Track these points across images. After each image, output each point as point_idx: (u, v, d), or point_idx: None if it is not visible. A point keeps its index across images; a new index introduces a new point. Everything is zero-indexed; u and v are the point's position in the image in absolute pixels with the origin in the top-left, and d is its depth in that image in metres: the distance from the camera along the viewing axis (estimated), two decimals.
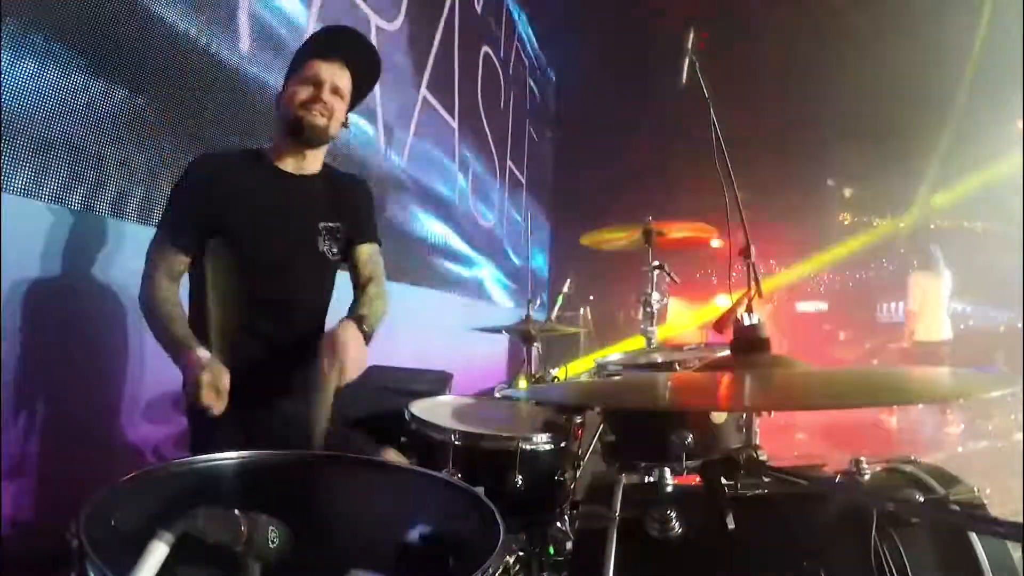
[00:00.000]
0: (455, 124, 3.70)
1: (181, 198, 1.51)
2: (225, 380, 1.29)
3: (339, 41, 1.60)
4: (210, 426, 1.43)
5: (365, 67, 1.64)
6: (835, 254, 7.93)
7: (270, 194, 1.56)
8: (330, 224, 1.61)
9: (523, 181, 5.58)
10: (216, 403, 1.28)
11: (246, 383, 1.44)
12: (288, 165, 1.59)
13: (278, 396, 1.48)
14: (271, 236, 1.53)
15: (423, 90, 3.26)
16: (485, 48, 4.25)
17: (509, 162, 5.17)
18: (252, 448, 1.00)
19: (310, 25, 2.69)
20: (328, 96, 1.54)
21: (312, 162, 1.63)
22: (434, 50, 3.43)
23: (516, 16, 5.49)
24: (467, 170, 4.07)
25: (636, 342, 2.38)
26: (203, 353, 1.33)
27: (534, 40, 6.73)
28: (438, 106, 3.43)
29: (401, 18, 3.02)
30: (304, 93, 1.53)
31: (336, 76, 1.56)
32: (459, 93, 3.76)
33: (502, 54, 4.60)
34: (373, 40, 2.84)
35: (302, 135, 1.55)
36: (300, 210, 1.59)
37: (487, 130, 4.37)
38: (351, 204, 1.69)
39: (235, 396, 1.41)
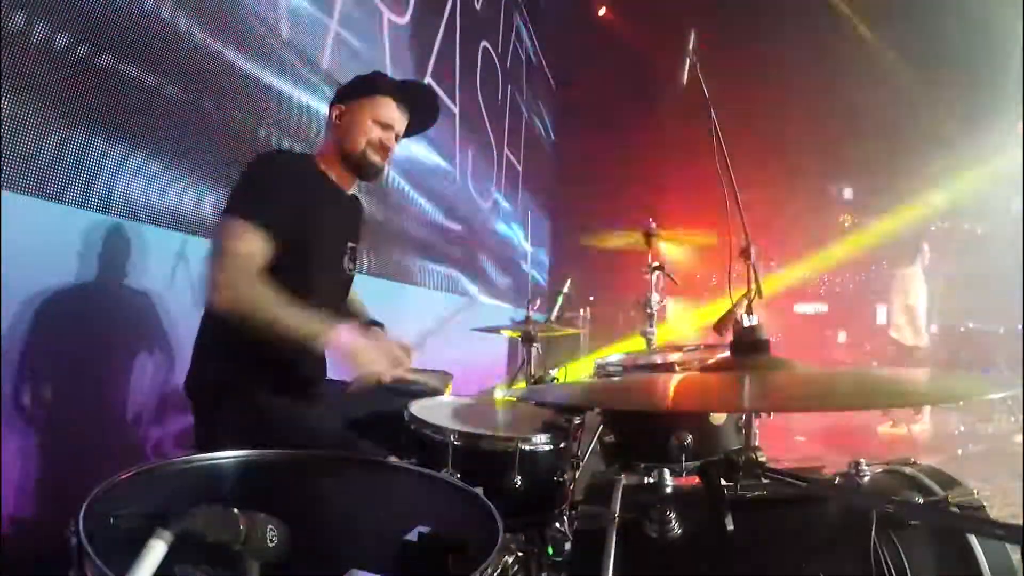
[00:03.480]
0: (456, 111, 4.12)
1: (267, 186, 1.44)
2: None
3: (417, 94, 1.70)
4: (215, 422, 1.44)
5: (423, 123, 1.73)
6: (833, 255, 7.93)
7: (327, 206, 1.59)
8: (352, 244, 1.72)
9: (519, 170, 5.91)
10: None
11: (254, 379, 1.45)
12: (336, 179, 1.64)
13: (287, 397, 1.48)
14: (321, 247, 1.57)
15: (428, 78, 3.64)
16: (484, 43, 4.68)
17: (507, 150, 5.51)
18: (254, 446, 1.00)
19: (332, 26, 2.79)
20: (393, 143, 1.63)
21: (353, 183, 1.70)
22: (438, 42, 3.79)
23: (514, 15, 5.74)
24: (466, 154, 4.43)
25: (636, 344, 2.38)
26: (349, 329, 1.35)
27: (533, 39, 6.76)
28: (441, 93, 3.82)
29: (410, 12, 3.39)
30: (377, 133, 1.59)
31: (402, 123, 1.65)
32: (459, 82, 4.14)
33: (499, 49, 5.01)
34: (385, 33, 3.15)
35: (361, 172, 1.63)
36: (342, 227, 1.68)
37: (485, 119, 4.78)
38: (360, 227, 1.82)
39: (245, 391, 1.42)
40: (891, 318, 5.41)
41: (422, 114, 1.70)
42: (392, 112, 1.61)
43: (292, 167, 1.55)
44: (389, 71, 3.22)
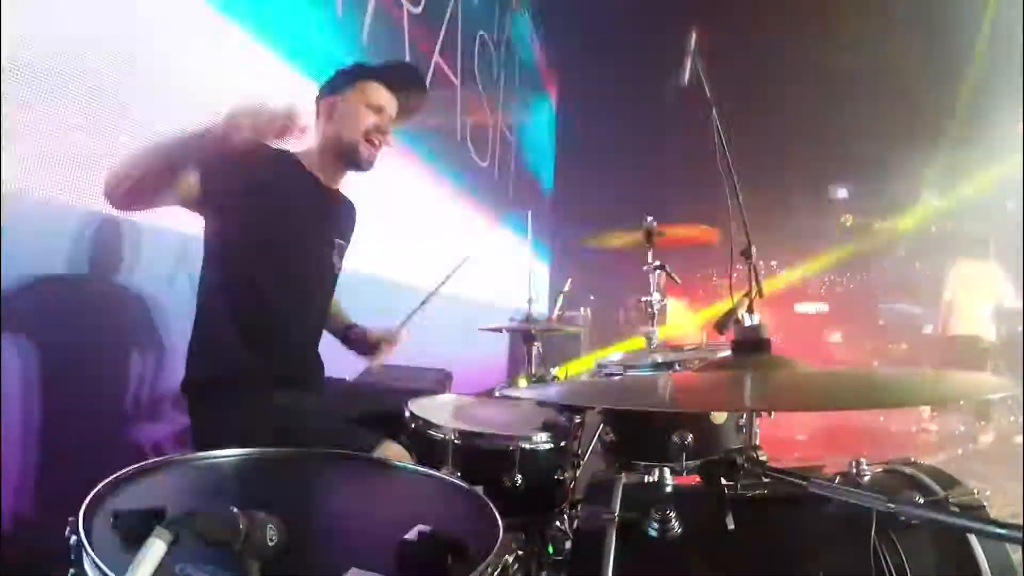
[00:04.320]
0: (458, 82, 4.76)
1: (221, 162, 1.35)
2: None
3: (402, 73, 1.67)
4: (212, 422, 1.44)
5: (414, 103, 1.69)
6: (834, 257, 7.93)
7: (307, 202, 1.57)
8: (340, 241, 1.69)
9: (512, 141, 6.40)
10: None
11: (252, 377, 1.45)
12: (322, 175, 1.62)
13: (281, 393, 1.48)
14: (301, 242, 1.55)
15: (436, 56, 4.30)
16: (481, 32, 5.39)
17: (501, 123, 6.03)
18: (252, 445, 1.00)
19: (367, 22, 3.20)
20: (388, 126, 1.60)
21: (342, 179, 1.68)
22: (443, 28, 4.45)
23: (508, 11, 6.15)
24: (466, 118, 5.01)
25: (636, 342, 2.38)
26: None
27: (533, 38, 6.80)
28: (445, 67, 4.49)
29: (423, 3, 4.03)
30: (370, 119, 1.57)
31: (392, 105, 1.62)
32: (461, 62, 4.80)
33: (495, 38, 5.77)
34: (405, 24, 3.73)
35: (354, 163, 1.60)
36: (326, 223, 1.65)
37: (481, 90, 5.41)
38: (350, 226, 1.78)
39: (240, 390, 1.42)
40: (969, 313, 4.99)
41: (410, 93, 1.67)
42: (382, 95, 1.60)
43: (257, 154, 1.45)
44: (407, 53, 3.70)
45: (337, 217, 1.71)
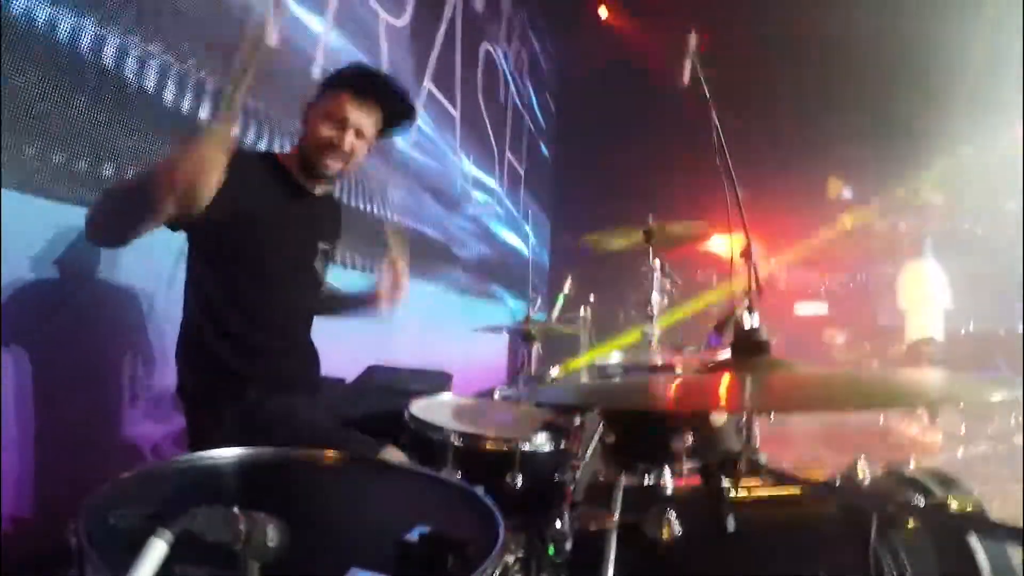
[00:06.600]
0: (457, 114, 3.98)
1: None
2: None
3: (373, 84, 1.56)
4: (208, 423, 1.44)
5: (397, 112, 1.62)
6: (834, 256, 7.93)
7: (285, 206, 1.56)
8: (325, 246, 1.68)
9: (522, 174, 5.83)
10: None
11: (243, 380, 1.45)
12: (302, 180, 1.61)
13: (278, 397, 1.48)
14: (280, 248, 1.54)
15: (427, 81, 3.53)
16: (486, 45, 4.56)
17: (508, 154, 5.45)
18: (249, 446, 1.00)
19: (328, 25, 2.68)
20: (350, 139, 1.50)
21: (322, 184, 1.65)
22: (437, 44, 3.68)
23: (516, 14, 5.71)
24: (468, 157, 4.41)
25: (636, 342, 2.38)
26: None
27: (533, 39, 6.76)
28: (441, 97, 3.76)
29: (408, 15, 3.25)
30: (326, 131, 1.49)
31: (363, 118, 1.52)
32: (460, 85, 4.04)
33: (502, 51, 4.98)
34: (382, 36, 3.04)
35: (314, 174, 1.57)
36: (307, 228, 1.63)
37: (487, 122, 4.66)
38: (336, 226, 1.78)
39: (233, 393, 1.42)
40: (922, 314, 5.10)
41: (392, 106, 1.58)
42: (344, 107, 1.48)
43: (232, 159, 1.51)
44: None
45: (321, 220, 1.69)
